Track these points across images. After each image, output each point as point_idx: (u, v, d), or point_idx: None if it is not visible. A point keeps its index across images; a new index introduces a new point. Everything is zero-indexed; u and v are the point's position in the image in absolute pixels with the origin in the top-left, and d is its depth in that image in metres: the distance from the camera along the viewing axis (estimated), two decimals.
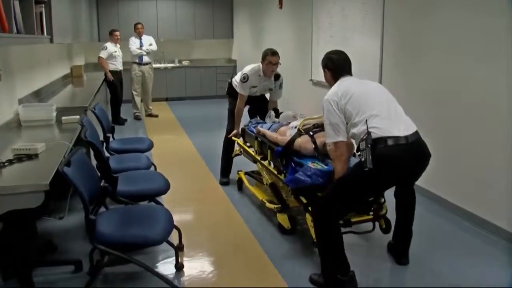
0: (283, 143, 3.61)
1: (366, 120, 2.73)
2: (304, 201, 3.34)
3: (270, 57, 4.51)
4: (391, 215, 3.29)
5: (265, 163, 4.01)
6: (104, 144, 4.13)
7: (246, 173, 4.76)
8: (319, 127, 3.57)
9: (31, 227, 3.23)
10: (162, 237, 2.44)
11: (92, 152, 3.37)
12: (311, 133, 3.53)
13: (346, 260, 2.88)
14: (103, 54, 8.10)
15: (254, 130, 4.27)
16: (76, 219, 3.77)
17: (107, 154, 4.04)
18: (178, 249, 3.23)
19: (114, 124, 7.91)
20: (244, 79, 4.61)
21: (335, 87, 3.01)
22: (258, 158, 4.14)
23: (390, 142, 2.67)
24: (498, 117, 3.61)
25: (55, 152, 2.87)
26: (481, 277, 3.10)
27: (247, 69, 4.67)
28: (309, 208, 3.26)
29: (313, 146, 3.44)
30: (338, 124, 2.87)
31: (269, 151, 3.87)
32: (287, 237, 3.65)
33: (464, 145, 3.99)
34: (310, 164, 3.28)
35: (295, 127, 3.67)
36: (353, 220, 3.16)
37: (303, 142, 3.50)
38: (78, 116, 3.92)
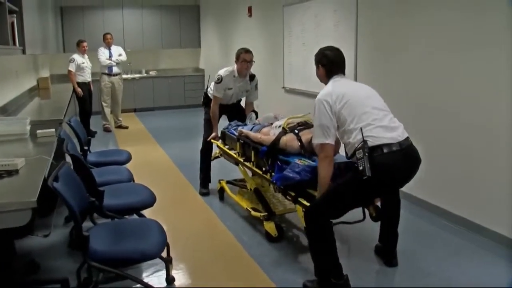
0: (268, 143, 3.59)
1: (361, 129, 2.73)
2: (293, 194, 3.29)
3: (244, 54, 4.57)
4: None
5: (249, 164, 3.95)
6: (82, 158, 4.00)
7: (228, 182, 4.70)
8: (303, 125, 3.60)
9: (9, 246, 3.09)
10: (158, 250, 2.39)
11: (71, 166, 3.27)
12: (296, 131, 3.53)
13: (339, 264, 2.89)
14: (72, 67, 7.90)
15: (235, 132, 4.23)
16: (57, 236, 3.64)
17: None
18: (168, 262, 3.16)
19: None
20: (219, 80, 4.61)
21: (328, 87, 2.96)
22: (241, 159, 4.09)
23: (385, 150, 2.70)
24: (485, 118, 3.69)
25: (35, 167, 2.75)
26: (472, 277, 3.16)
27: (222, 71, 4.68)
28: (299, 200, 3.21)
29: (299, 143, 3.45)
30: (329, 127, 2.83)
31: (253, 152, 3.83)
32: (275, 245, 3.63)
33: (451, 149, 4.07)
34: (297, 161, 3.26)
35: (279, 126, 3.67)
36: None
37: (289, 140, 3.50)
38: (53, 129, 3.78)
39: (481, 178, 3.74)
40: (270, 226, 3.68)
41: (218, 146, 4.63)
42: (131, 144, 7.42)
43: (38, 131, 3.74)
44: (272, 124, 3.99)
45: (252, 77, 4.79)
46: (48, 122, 4.23)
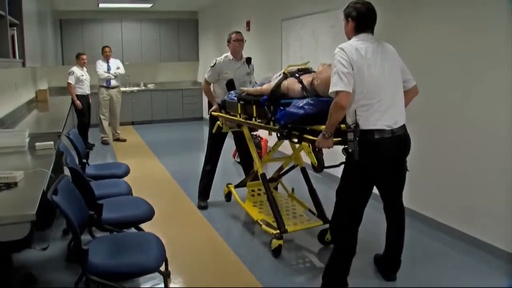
0: (268, 91, 3.53)
1: (355, 111, 2.72)
2: (297, 133, 3.24)
3: (235, 35, 4.73)
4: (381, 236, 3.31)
5: (252, 121, 3.89)
6: (81, 171, 4.00)
7: (236, 186, 4.64)
8: (303, 70, 3.58)
9: (7, 259, 3.08)
10: (157, 264, 2.38)
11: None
12: (297, 75, 3.50)
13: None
14: (71, 80, 7.94)
15: (235, 98, 4.17)
16: (54, 249, 3.62)
17: None
18: (166, 276, 3.14)
19: None
20: (213, 64, 4.73)
21: (352, 41, 2.84)
22: (243, 119, 4.03)
23: (377, 136, 2.72)
24: (484, 128, 3.70)
25: (34, 180, 2.75)
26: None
27: (217, 57, 4.80)
28: (305, 137, 3.15)
29: (300, 86, 3.39)
30: (348, 72, 2.68)
31: (254, 106, 3.77)
32: (275, 260, 3.61)
33: (448, 162, 4.09)
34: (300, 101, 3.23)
35: (279, 75, 3.60)
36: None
37: (290, 83, 3.45)
38: (52, 142, 3.79)
39: (479, 191, 3.75)
40: (280, 242, 3.64)
41: (219, 115, 4.54)
42: (129, 157, 7.40)
43: (37, 144, 3.74)
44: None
45: (249, 60, 4.86)
46: (47, 134, 4.22)
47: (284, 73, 3.55)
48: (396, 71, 2.88)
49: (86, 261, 2.25)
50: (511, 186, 3.46)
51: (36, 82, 7.97)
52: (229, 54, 4.76)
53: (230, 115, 4.32)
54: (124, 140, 8.95)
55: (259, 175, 4.02)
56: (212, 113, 4.67)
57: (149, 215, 3.15)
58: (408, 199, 3.89)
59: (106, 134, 8.78)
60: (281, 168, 4.42)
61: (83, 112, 8.12)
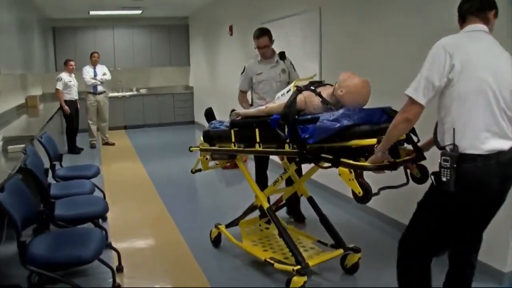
0: (279, 109, 2.94)
1: (454, 129, 2.13)
2: (330, 156, 2.64)
3: (256, 41, 4.23)
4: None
5: (256, 147, 3.17)
6: (50, 172, 4.21)
7: (227, 226, 3.83)
8: (316, 83, 3.11)
9: None
10: (93, 256, 2.55)
11: None
12: (312, 87, 3.01)
13: None
14: (59, 86, 8.16)
15: (222, 126, 3.53)
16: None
17: (53, 181, 4.15)
18: (118, 271, 3.33)
19: (70, 153, 8.00)
20: (243, 70, 4.42)
21: (460, 37, 2.20)
22: (240, 147, 3.36)
23: (480, 163, 2.10)
24: None
25: None
26: None
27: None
28: (344, 161, 2.54)
29: (320, 99, 2.91)
30: (433, 84, 2.09)
31: (257, 130, 3.10)
32: (235, 274, 3.51)
33: None
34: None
35: (288, 91, 3.10)
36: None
37: (308, 96, 2.93)
38: (24, 145, 3.98)
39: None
40: (304, 279, 2.97)
41: (201, 149, 3.71)
42: (115, 160, 7.58)
43: (9, 147, 3.94)
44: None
45: (283, 55, 4.36)
46: (21, 138, 4.43)
47: (296, 86, 3.03)
48: (509, 79, 2.20)
49: (24, 253, 2.44)
50: None
51: (26, 88, 8.19)
52: (257, 54, 4.34)
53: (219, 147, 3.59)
54: (113, 144, 9.15)
55: (264, 209, 3.39)
56: (192, 148, 3.83)
57: (102, 212, 3.36)
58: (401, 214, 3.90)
59: (95, 137, 8.97)
60: (280, 200, 3.76)
61: (71, 117, 8.32)
